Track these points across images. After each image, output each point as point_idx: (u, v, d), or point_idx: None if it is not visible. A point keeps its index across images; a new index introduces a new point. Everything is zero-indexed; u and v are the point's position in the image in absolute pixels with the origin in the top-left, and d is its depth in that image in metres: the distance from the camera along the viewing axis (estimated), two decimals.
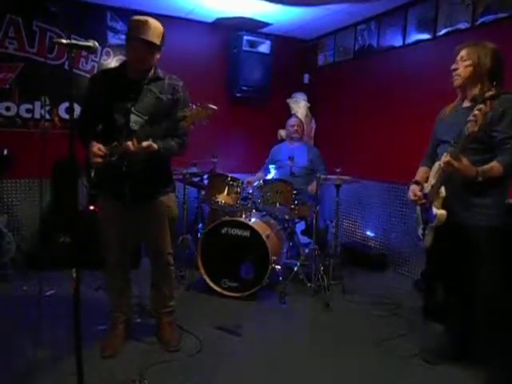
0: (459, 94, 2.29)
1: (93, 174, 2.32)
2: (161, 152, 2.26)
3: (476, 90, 2.15)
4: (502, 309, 2.14)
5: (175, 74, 2.46)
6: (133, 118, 2.28)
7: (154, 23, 2.19)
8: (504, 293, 2.14)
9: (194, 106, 2.10)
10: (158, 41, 2.21)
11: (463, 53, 2.19)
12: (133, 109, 2.28)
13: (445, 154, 2.10)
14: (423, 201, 2.31)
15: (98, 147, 2.21)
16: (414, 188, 2.41)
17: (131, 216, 2.43)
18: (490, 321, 2.17)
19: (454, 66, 2.22)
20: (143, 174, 2.33)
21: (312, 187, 3.80)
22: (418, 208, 2.41)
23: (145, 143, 2.16)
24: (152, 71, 2.35)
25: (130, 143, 2.16)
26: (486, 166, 2.03)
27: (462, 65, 2.17)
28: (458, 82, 2.21)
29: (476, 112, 1.90)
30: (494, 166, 2.04)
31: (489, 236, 2.11)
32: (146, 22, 2.17)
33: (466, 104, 2.22)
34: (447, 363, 2.45)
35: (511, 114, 2.03)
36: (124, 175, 2.31)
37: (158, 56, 2.30)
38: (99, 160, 2.21)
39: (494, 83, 1.98)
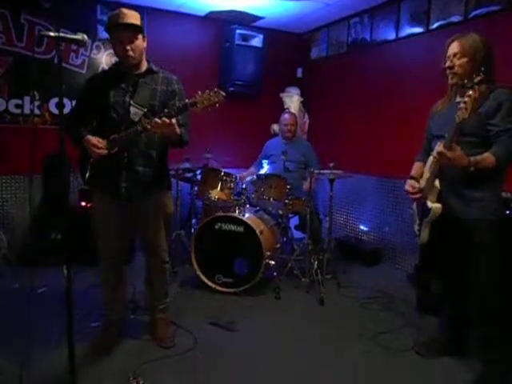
0: (452, 88, 2.25)
1: (89, 169, 2.34)
2: (182, 137, 2.30)
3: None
4: (497, 302, 2.14)
5: (167, 68, 2.49)
6: (132, 109, 2.30)
7: (127, 10, 2.26)
8: (499, 286, 2.14)
9: (200, 92, 2.09)
10: (137, 22, 2.25)
11: (457, 49, 2.12)
12: (131, 101, 2.30)
13: (438, 143, 2.08)
14: (420, 194, 2.27)
15: (96, 139, 2.24)
16: (411, 182, 2.36)
17: (127, 212, 2.42)
18: (486, 314, 2.17)
19: (448, 64, 2.15)
20: (141, 169, 2.34)
21: (306, 185, 3.78)
22: (414, 204, 2.39)
23: (173, 120, 2.13)
24: (145, 65, 2.38)
25: (158, 120, 2.10)
26: (478, 156, 2.00)
27: (458, 62, 2.11)
28: (455, 79, 2.15)
29: (466, 99, 1.88)
30: (487, 156, 2.01)
31: (484, 229, 2.10)
32: (120, 11, 2.24)
33: (460, 98, 2.19)
34: (442, 356, 2.46)
35: (507, 107, 2.02)
36: (121, 170, 2.31)
37: (143, 44, 2.32)
38: (104, 152, 2.24)
39: (482, 69, 1.94)
